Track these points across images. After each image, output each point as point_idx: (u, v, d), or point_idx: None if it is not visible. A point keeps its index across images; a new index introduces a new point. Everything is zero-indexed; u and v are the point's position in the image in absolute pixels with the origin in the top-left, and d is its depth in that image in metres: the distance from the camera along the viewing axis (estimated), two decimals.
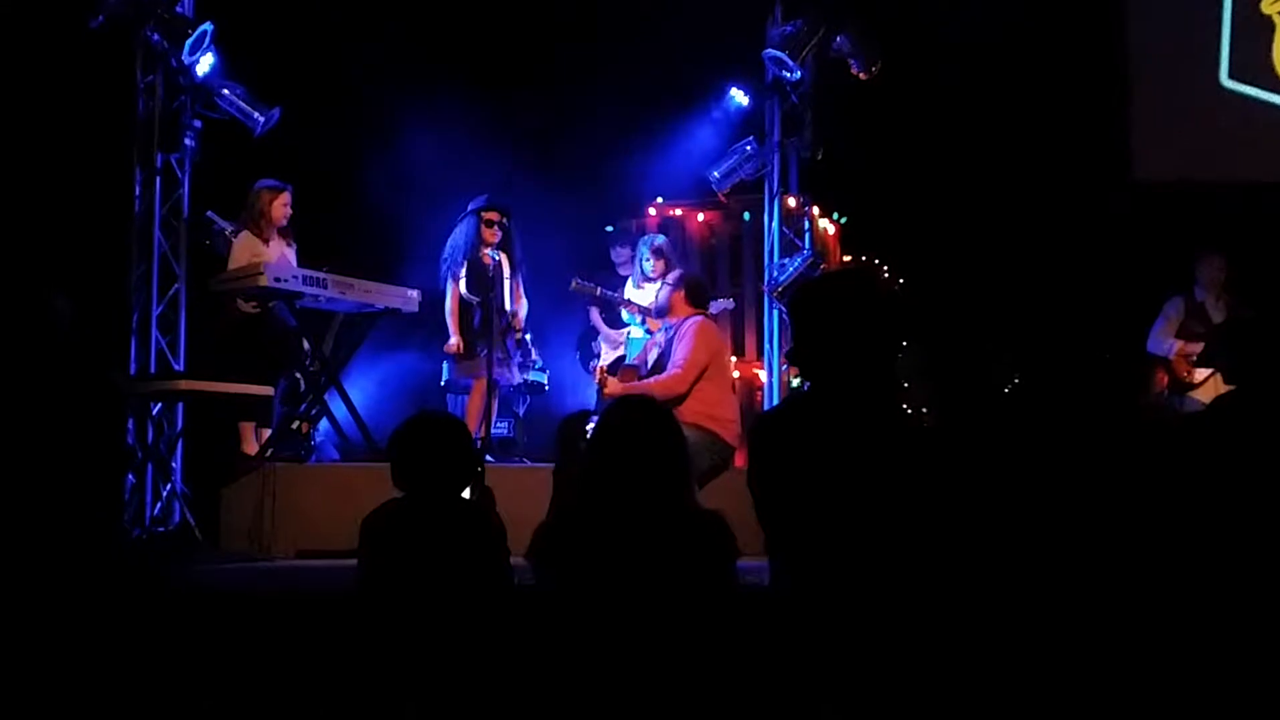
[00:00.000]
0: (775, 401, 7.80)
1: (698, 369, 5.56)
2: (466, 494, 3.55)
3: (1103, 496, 3.73)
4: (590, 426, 5.32)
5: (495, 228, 6.87)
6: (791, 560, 2.62)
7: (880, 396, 2.64)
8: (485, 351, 6.74)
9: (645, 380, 5.78)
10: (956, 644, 2.53)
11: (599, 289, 7.55)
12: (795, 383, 8.08)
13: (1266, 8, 8.08)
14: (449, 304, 6.99)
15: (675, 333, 5.77)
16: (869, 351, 2.65)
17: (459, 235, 6.97)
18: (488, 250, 6.83)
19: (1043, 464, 3.96)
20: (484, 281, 6.82)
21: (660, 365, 5.82)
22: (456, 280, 6.93)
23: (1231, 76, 8.13)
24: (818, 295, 2.78)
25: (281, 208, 6.69)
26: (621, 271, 8.15)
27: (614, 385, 5.87)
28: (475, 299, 6.89)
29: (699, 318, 5.78)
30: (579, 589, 2.92)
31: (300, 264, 6.63)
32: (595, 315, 8.23)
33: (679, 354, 5.62)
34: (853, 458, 2.58)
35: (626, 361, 7.28)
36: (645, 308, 7.16)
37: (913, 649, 2.50)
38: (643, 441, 3.02)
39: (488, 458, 5.96)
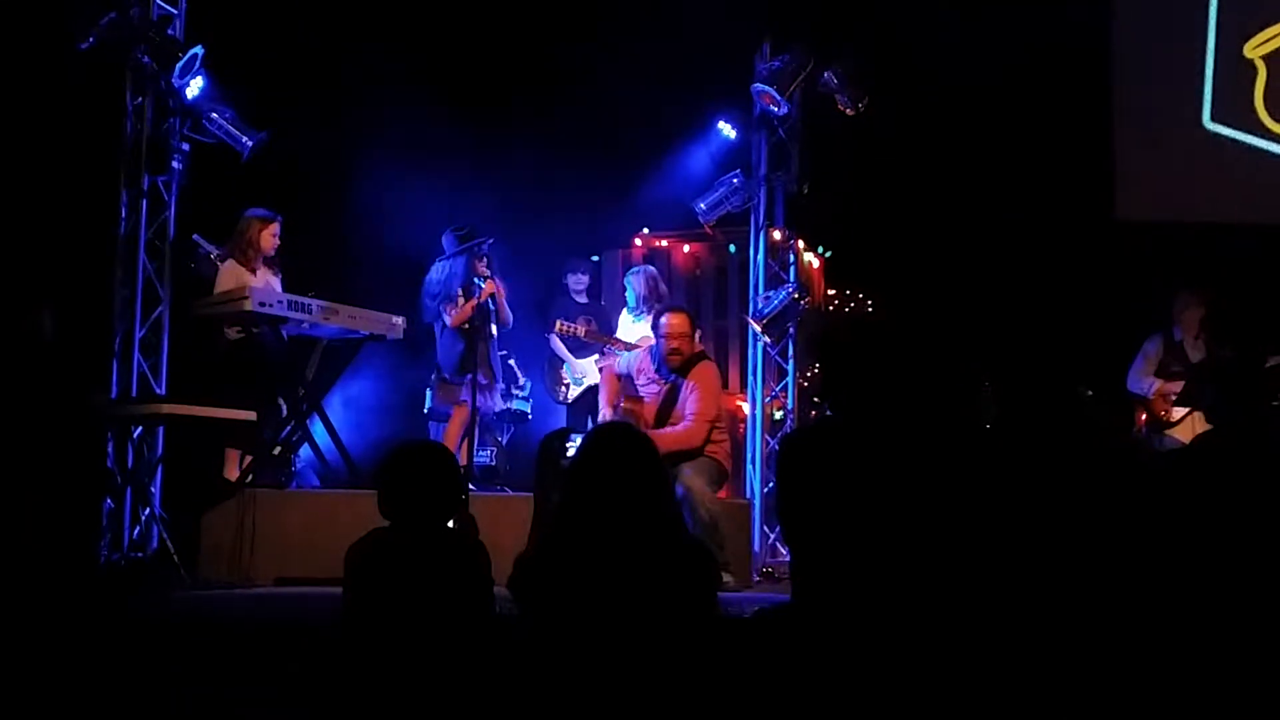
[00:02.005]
0: (758, 434, 7.81)
1: (711, 420, 5.94)
2: (450, 523, 3.54)
3: (1082, 532, 3.74)
4: (570, 445, 5.38)
5: (484, 261, 6.93)
6: (815, 577, 2.69)
7: (906, 426, 2.73)
8: (469, 378, 6.74)
9: (662, 431, 5.92)
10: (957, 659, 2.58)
11: (585, 330, 7.54)
12: (778, 416, 8.09)
13: (1249, 51, 8.17)
14: (445, 328, 6.99)
15: (685, 377, 6.02)
16: (895, 385, 2.75)
17: (455, 271, 6.98)
18: (478, 281, 6.88)
19: (1023, 499, 3.97)
20: (479, 312, 6.84)
21: (669, 404, 6.03)
22: (451, 313, 6.95)
23: (1214, 119, 8.21)
24: (845, 332, 2.87)
25: (270, 238, 6.70)
26: (578, 299, 8.14)
27: (630, 405, 6.11)
28: (466, 327, 6.91)
29: (706, 363, 6.12)
30: (560, 619, 2.90)
31: (285, 291, 6.62)
32: (556, 343, 8.17)
33: (692, 405, 5.93)
34: (879, 483, 2.71)
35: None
36: (631, 344, 7.18)
37: (917, 663, 2.54)
38: (623, 470, 3.01)
39: (470, 486, 5.95)
